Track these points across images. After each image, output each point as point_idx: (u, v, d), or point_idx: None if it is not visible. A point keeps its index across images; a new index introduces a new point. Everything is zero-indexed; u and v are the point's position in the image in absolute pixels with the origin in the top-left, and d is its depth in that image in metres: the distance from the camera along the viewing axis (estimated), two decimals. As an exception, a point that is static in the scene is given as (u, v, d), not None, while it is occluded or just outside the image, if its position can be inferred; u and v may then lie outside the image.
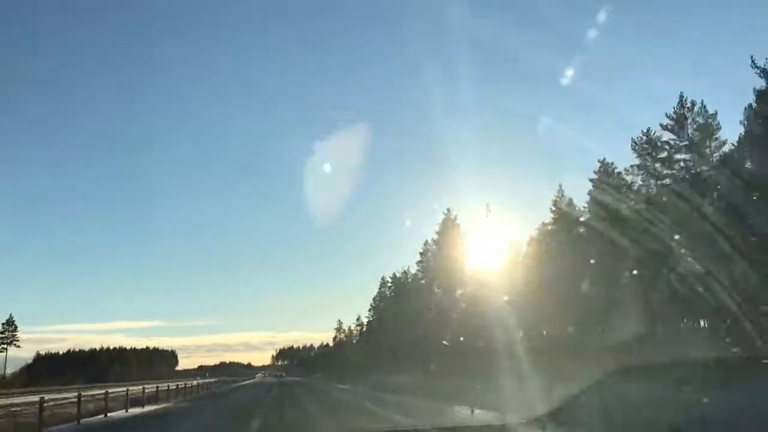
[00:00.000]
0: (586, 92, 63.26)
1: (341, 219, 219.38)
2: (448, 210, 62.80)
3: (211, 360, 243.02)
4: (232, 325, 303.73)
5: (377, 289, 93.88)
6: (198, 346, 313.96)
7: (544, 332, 43.96)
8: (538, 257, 44.59)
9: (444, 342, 50.38)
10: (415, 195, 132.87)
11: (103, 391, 29.68)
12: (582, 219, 41.17)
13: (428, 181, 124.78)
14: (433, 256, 66.13)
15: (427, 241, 68.79)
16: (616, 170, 39.70)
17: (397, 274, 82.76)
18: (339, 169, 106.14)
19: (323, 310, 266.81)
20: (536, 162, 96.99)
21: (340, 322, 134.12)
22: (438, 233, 64.09)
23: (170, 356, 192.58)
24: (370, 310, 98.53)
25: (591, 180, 40.62)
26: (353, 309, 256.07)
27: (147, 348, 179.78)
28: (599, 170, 40.41)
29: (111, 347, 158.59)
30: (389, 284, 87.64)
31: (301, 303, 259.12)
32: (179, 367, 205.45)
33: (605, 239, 34.86)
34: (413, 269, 74.31)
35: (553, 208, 45.24)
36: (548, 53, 71.79)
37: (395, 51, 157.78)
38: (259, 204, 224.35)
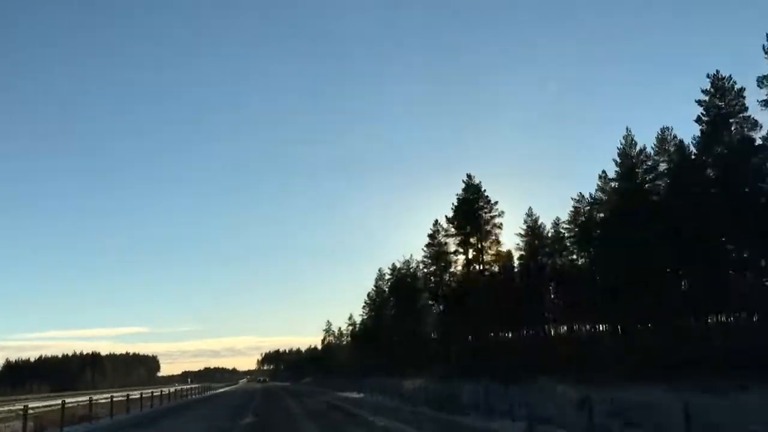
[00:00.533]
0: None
1: (327, 219, 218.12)
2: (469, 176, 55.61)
3: (197, 365, 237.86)
4: (217, 330, 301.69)
5: (373, 286, 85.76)
6: (183, 351, 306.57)
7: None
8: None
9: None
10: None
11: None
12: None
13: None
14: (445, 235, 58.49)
15: (437, 220, 61.11)
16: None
17: (398, 264, 74.66)
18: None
19: (311, 314, 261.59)
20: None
21: (329, 323, 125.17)
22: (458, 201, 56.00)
23: (151, 362, 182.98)
24: (364, 307, 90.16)
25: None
26: (344, 311, 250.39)
27: (126, 354, 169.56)
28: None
29: (84, 353, 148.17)
30: (387, 276, 79.42)
31: (288, 307, 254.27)
32: (162, 373, 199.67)
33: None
34: (418, 256, 66.81)
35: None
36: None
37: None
38: (243, 208, 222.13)
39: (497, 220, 54.86)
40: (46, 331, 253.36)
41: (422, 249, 62.94)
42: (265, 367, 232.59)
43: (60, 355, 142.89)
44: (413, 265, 70.48)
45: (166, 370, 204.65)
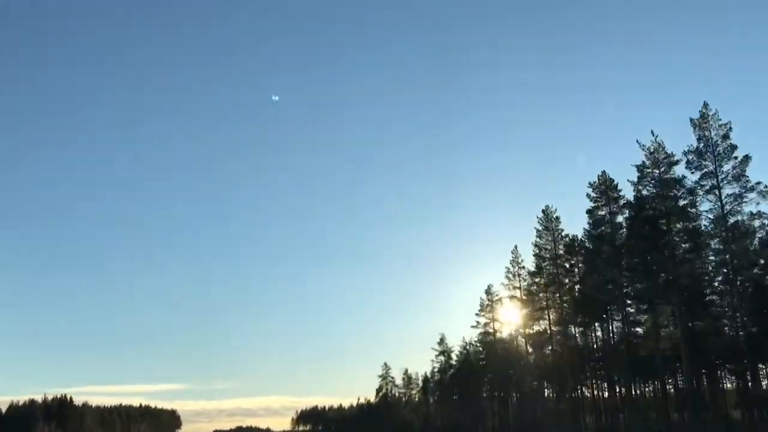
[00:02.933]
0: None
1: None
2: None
3: (232, 424, 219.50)
4: (253, 389, 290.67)
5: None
6: (220, 410, 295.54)
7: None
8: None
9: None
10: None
11: None
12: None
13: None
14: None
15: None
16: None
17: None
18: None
19: (347, 375, 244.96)
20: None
21: (386, 367, 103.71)
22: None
23: (169, 417, 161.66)
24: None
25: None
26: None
27: (130, 406, 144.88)
28: None
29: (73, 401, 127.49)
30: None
31: (324, 367, 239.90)
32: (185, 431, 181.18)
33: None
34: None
35: None
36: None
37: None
38: (282, 271, 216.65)
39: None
40: (85, 386, 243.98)
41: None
42: (301, 428, 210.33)
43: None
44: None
45: (199, 428, 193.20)
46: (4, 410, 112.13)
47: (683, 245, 46.25)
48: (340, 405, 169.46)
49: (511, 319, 72.23)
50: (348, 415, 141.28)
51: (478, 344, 79.39)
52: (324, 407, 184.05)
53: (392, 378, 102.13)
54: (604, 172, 52.75)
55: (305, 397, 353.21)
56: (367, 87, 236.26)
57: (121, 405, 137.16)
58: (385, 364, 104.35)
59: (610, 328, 58.07)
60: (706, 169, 43.26)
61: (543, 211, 64.05)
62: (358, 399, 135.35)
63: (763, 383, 50.38)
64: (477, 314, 76.30)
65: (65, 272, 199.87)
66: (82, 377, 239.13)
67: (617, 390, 59.98)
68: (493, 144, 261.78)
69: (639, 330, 54.49)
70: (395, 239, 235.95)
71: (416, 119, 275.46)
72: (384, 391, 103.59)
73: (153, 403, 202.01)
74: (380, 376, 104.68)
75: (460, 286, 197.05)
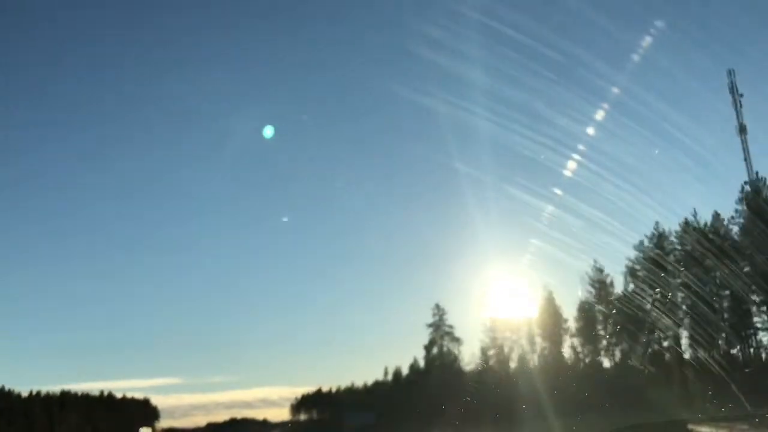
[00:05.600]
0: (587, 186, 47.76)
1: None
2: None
3: (228, 416, 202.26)
4: (249, 381, 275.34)
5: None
6: (217, 403, 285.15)
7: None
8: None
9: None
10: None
11: None
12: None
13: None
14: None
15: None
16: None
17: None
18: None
19: (348, 362, 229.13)
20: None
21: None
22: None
23: (140, 408, 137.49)
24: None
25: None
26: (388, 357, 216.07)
27: (76, 395, 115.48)
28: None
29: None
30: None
31: (322, 357, 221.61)
32: (163, 424, 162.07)
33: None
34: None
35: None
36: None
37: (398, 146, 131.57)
38: (277, 259, 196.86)
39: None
40: (80, 382, 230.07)
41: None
42: (302, 417, 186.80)
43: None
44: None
45: (195, 421, 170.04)
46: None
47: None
48: (352, 384, 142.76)
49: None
50: (363, 393, 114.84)
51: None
52: (331, 389, 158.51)
53: (449, 327, 73.43)
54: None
55: (304, 387, 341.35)
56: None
57: (78, 394, 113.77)
58: (437, 306, 75.68)
59: None
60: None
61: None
62: (385, 371, 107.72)
63: None
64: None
65: (61, 267, 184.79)
66: (76, 373, 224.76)
67: None
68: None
69: None
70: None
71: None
72: (440, 346, 74.30)
73: (143, 395, 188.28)
74: (431, 325, 75.03)
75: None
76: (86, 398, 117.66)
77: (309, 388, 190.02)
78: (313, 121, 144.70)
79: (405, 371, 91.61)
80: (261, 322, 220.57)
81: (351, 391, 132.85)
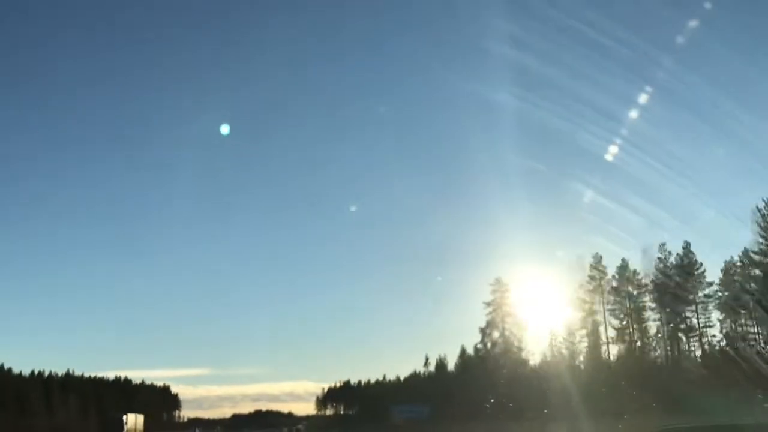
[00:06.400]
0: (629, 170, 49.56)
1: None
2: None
3: (254, 409, 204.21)
4: (277, 374, 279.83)
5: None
6: (244, 395, 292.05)
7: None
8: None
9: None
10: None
11: None
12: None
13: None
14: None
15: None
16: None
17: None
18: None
19: (379, 357, 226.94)
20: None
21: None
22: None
23: (158, 395, 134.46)
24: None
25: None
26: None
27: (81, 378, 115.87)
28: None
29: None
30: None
31: (348, 354, 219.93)
32: (189, 414, 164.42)
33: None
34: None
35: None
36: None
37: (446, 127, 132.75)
38: (307, 256, 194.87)
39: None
40: (111, 370, 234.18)
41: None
42: (329, 412, 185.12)
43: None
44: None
45: (219, 413, 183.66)
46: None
47: None
48: (384, 377, 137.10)
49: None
50: (401, 386, 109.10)
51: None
52: (360, 382, 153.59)
53: (510, 307, 68.20)
54: None
55: (330, 382, 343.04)
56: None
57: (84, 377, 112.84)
58: (498, 280, 68.83)
59: None
60: None
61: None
62: (426, 361, 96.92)
63: None
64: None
65: (97, 260, 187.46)
66: (108, 361, 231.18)
67: None
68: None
69: None
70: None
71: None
72: (501, 330, 67.45)
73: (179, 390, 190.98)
74: (488, 304, 69.01)
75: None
76: (93, 381, 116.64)
77: (335, 383, 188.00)
78: (390, 114, 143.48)
79: (453, 360, 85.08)
80: (290, 316, 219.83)
81: (382, 384, 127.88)
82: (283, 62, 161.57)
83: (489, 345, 68.33)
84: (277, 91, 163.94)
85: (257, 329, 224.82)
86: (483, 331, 68.38)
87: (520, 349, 66.68)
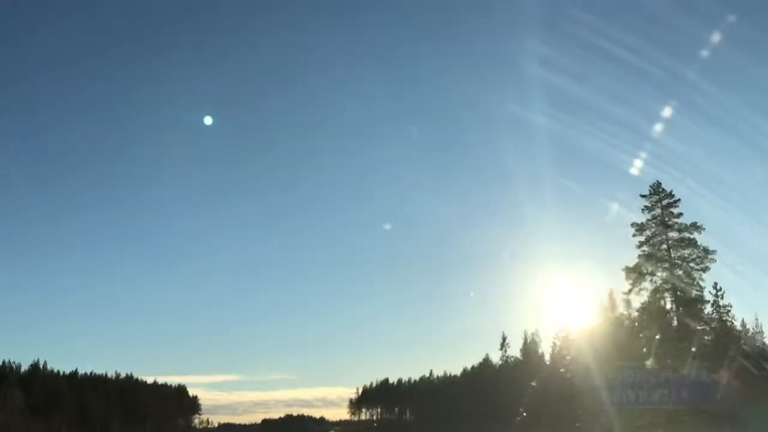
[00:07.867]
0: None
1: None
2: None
3: (284, 414, 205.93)
4: (310, 380, 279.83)
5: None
6: (277, 401, 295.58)
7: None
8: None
9: None
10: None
11: None
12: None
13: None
14: None
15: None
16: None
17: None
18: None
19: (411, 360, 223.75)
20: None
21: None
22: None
23: (175, 396, 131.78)
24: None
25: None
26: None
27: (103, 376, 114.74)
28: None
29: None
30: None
31: (381, 359, 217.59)
32: (222, 419, 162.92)
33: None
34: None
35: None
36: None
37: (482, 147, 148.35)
38: (335, 263, 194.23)
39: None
40: (144, 375, 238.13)
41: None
42: (363, 416, 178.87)
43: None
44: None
45: (251, 419, 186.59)
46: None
47: None
48: (431, 373, 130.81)
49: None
50: (451, 384, 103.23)
51: None
52: (397, 381, 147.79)
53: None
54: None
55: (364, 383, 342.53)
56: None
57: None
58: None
59: None
60: None
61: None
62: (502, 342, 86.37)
63: None
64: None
65: (140, 266, 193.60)
66: (143, 367, 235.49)
67: None
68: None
69: None
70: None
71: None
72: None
73: (209, 396, 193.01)
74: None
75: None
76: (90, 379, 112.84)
77: (371, 382, 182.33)
78: (420, 133, 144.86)
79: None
80: (321, 323, 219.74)
81: (428, 381, 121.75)
82: (322, 86, 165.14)
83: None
84: (316, 112, 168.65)
85: (289, 337, 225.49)
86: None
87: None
